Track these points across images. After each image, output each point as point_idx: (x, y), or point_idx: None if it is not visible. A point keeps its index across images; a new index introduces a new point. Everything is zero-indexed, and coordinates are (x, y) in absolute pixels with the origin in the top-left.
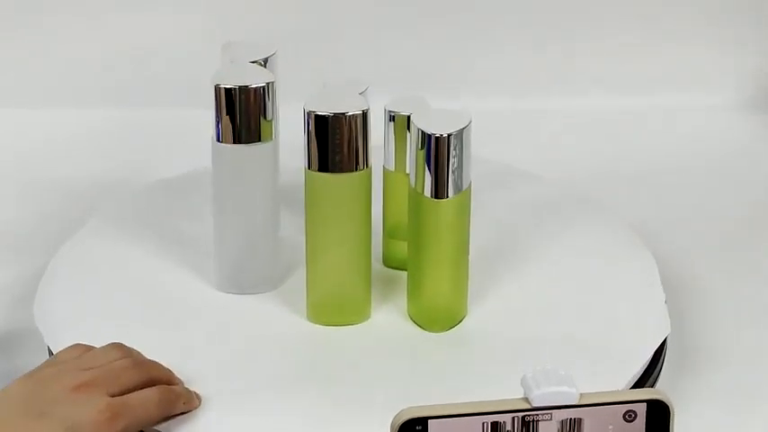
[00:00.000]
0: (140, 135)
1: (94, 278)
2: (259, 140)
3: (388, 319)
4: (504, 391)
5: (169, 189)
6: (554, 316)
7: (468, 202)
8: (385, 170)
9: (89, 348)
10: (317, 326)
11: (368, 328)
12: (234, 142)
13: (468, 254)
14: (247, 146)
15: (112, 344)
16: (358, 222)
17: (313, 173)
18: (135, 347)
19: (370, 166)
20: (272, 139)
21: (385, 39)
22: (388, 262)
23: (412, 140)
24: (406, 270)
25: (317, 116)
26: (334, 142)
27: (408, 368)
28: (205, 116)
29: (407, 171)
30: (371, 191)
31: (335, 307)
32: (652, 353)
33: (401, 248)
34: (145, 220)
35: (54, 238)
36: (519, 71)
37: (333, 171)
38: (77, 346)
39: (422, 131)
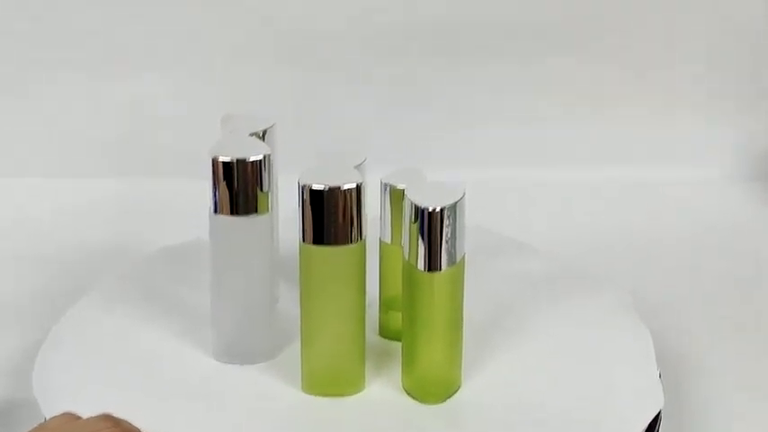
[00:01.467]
0: (138, 206)
1: (93, 349)
2: (255, 212)
3: (383, 390)
4: None
5: (169, 258)
6: (547, 388)
7: (461, 274)
8: (381, 242)
9: (78, 418)
10: (312, 397)
11: (362, 400)
12: (230, 214)
13: (462, 325)
14: (244, 218)
15: (102, 414)
16: (353, 295)
17: (308, 246)
18: (132, 418)
19: (364, 238)
20: (268, 211)
21: (385, 111)
22: (385, 333)
23: (405, 213)
24: (401, 341)
25: (311, 190)
26: (329, 215)
27: None
28: (204, 186)
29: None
30: (366, 263)
31: (330, 378)
32: (645, 426)
33: (397, 319)
34: (144, 290)
35: (54, 308)
36: (515, 144)
37: (327, 244)
38: (67, 414)
39: (415, 205)
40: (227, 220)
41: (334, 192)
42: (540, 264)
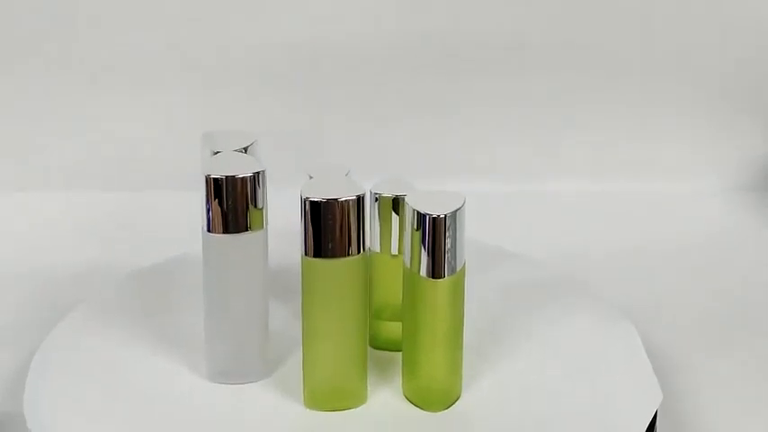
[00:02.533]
0: (115, 219)
1: (81, 369)
2: (249, 230)
3: (385, 401)
4: None
5: (156, 275)
6: (546, 394)
7: (463, 281)
8: (370, 252)
9: None
10: (316, 412)
11: (367, 412)
12: (224, 232)
13: (463, 333)
14: (238, 235)
15: None
16: (356, 307)
17: (309, 259)
18: None
19: (367, 249)
20: (262, 227)
21: (365, 125)
22: (375, 343)
23: (407, 221)
24: (392, 350)
25: (312, 203)
26: (331, 228)
27: None
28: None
29: (393, 252)
30: (368, 274)
31: (333, 392)
32: (650, 419)
33: (387, 329)
34: (133, 308)
35: (39, 326)
36: (507, 155)
37: (330, 257)
38: None
39: (417, 212)
40: (221, 238)
41: (332, 204)
42: (529, 272)
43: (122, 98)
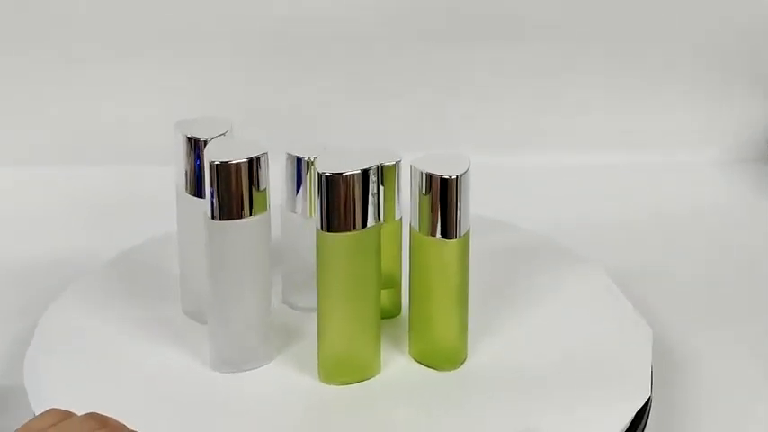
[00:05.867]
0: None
1: (85, 354)
2: (253, 214)
3: (397, 367)
4: None
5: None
6: (545, 347)
7: (469, 241)
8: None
9: (65, 415)
10: (336, 386)
11: (385, 380)
12: (228, 218)
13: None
14: (241, 221)
15: (87, 414)
16: (370, 279)
17: (325, 233)
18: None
19: (381, 221)
20: (265, 210)
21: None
22: None
23: (414, 184)
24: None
25: (327, 177)
26: (348, 201)
27: (445, 413)
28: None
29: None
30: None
31: (349, 365)
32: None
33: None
34: (128, 286)
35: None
36: (502, 129)
37: (344, 230)
38: (52, 412)
39: (428, 174)
40: (225, 224)
41: (348, 177)
42: (525, 241)
43: (97, 72)
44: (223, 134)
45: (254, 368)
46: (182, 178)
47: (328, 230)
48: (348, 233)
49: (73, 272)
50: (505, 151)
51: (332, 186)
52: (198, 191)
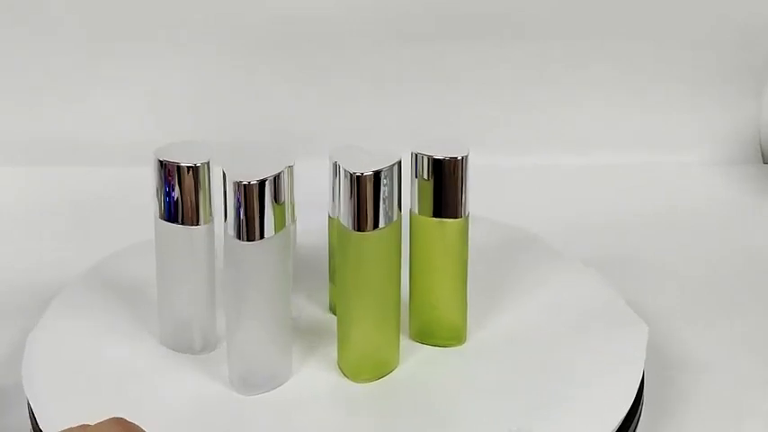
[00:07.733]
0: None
1: (84, 367)
2: (275, 231)
3: (414, 354)
4: None
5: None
6: (541, 334)
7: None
8: (330, 218)
9: (85, 427)
10: (361, 384)
11: (408, 370)
12: (248, 240)
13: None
14: (265, 239)
15: (112, 418)
16: (395, 274)
17: (353, 233)
18: None
19: (401, 214)
20: (285, 226)
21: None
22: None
23: (419, 169)
24: None
25: (359, 176)
26: (375, 200)
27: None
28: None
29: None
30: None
31: (375, 361)
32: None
33: None
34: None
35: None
36: (495, 127)
37: (373, 227)
38: (80, 427)
39: (432, 158)
40: (246, 245)
41: (374, 175)
42: (520, 240)
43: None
44: (205, 163)
45: (278, 386)
46: (157, 205)
47: (358, 230)
48: (378, 231)
49: (71, 272)
50: (505, 151)
51: (361, 186)
52: (172, 217)
